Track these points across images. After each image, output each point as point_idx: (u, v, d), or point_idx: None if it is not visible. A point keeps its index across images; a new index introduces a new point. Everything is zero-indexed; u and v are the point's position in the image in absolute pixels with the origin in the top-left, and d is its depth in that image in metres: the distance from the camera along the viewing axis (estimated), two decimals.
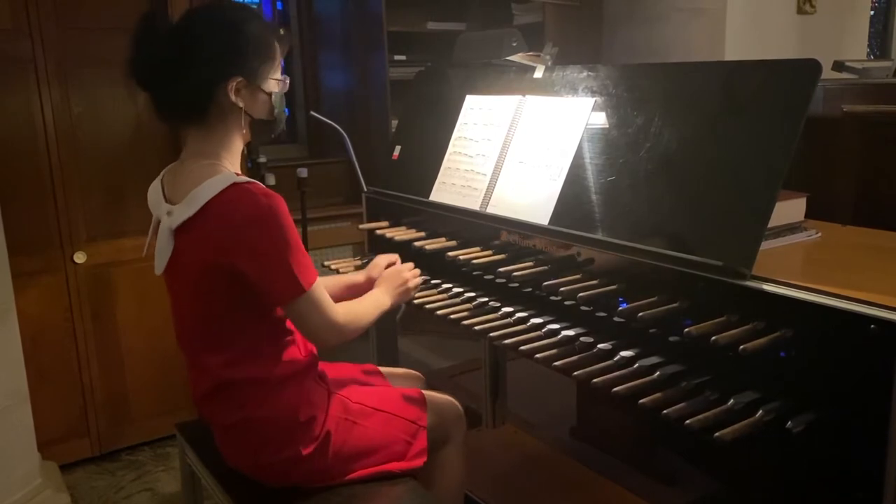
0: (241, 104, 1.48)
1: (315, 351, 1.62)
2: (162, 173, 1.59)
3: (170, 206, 1.47)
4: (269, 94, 1.53)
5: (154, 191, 1.56)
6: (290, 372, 1.52)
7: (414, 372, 1.96)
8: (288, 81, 1.57)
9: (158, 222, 1.50)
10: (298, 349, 1.57)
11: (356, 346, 1.91)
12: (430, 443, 1.71)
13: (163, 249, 1.48)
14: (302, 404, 1.52)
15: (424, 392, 1.78)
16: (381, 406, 1.66)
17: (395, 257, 1.92)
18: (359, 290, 1.84)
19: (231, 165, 1.51)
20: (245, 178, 1.45)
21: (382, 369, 1.91)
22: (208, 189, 1.41)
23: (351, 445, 1.58)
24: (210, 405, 1.56)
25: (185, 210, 1.43)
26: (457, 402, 1.84)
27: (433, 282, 1.94)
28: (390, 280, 1.77)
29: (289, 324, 1.55)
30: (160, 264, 1.50)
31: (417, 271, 1.86)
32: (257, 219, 1.38)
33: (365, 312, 1.62)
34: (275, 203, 1.40)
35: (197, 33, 1.45)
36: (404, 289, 1.77)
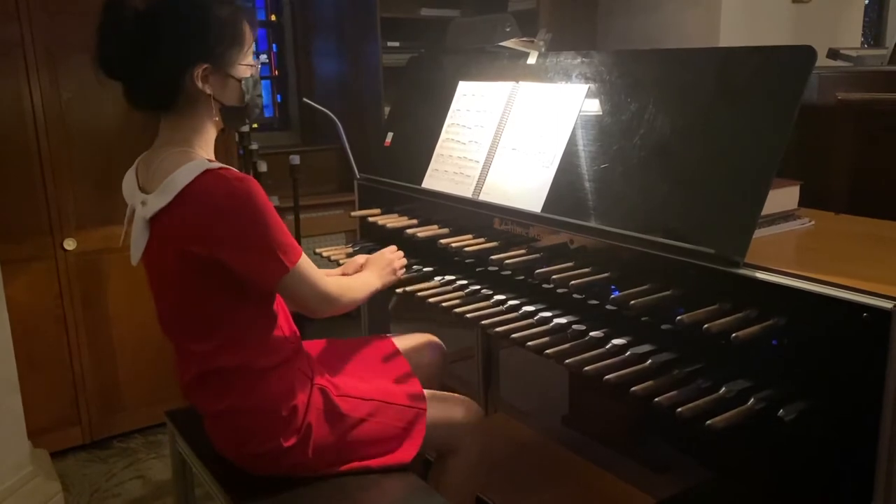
0: (208, 91, 1.45)
1: (300, 339, 1.60)
2: (136, 162, 1.56)
3: (144, 196, 1.45)
4: (240, 80, 1.49)
5: (129, 180, 1.53)
6: (275, 361, 1.51)
7: (430, 336, 1.95)
8: (260, 67, 1.54)
9: (133, 211, 1.48)
10: (284, 337, 1.55)
11: (351, 336, 1.91)
12: (437, 445, 1.69)
13: (138, 239, 1.46)
14: (285, 396, 1.50)
15: (438, 392, 1.73)
16: (371, 396, 1.62)
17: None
18: None
19: (204, 152, 1.48)
20: (218, 164, 1.42)
21: (395, 339, 1.89)
22: (182, 177, 1.38)
23: (335, 440, 1.55)
24: (196, 392, 1.55)
25: (159, 199, 1.40)
26: (475, 406, 1.76)
27: (425, 270, 1.93)
28: (376, 262, 1.80)
29: (276, 307, 1.54)
30: (136, 255, 1.48)
31: (401, 253, 1.88)
32: (233, 205, 1.36)
33: (356, 287, 1.64)
34: (249, 186, 1.38)
35: (160, 20, 1.40)
36: (390, 268, 1.80)
